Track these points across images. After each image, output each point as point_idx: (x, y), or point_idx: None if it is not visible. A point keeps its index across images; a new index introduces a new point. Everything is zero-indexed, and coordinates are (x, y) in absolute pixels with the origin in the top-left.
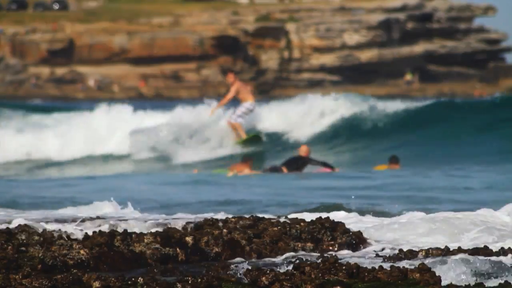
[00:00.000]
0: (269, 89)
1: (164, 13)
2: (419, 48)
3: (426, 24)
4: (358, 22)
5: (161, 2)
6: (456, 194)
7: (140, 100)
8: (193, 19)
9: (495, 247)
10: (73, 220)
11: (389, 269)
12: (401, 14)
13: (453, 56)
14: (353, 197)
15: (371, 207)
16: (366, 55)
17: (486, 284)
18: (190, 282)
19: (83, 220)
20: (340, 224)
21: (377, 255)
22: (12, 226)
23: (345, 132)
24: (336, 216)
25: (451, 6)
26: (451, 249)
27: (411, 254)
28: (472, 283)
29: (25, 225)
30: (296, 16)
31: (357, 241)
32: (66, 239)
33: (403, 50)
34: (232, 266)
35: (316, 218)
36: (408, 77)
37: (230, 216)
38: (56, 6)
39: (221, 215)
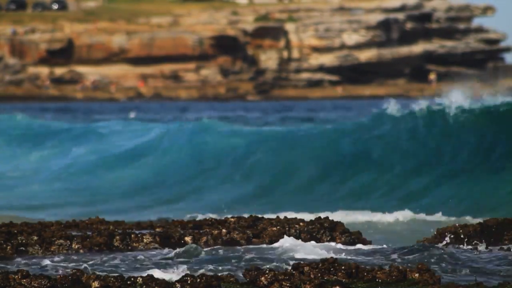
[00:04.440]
0: (268, 89)
1: (163, 13)
2: (418, 48)
3: (425, 24)
4: (357, 22)
5: (160, 2)
6: None
7: (141, 100)
8: (192, 19)
9: None
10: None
11: (388, 269)
12: (400, 14)
13: (452, 56)
14: None
15: None
16: (365, 55)
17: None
18: (189, 281)
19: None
20: (339, 224)
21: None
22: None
23: None
24: None
25: (450, 6)
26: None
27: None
28: None
29: (25, 225)
30: (295, 16)
31: (356, 241)
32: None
33: (402, 50)
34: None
35: (316, 218)
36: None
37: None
38: (55, 6)
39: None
